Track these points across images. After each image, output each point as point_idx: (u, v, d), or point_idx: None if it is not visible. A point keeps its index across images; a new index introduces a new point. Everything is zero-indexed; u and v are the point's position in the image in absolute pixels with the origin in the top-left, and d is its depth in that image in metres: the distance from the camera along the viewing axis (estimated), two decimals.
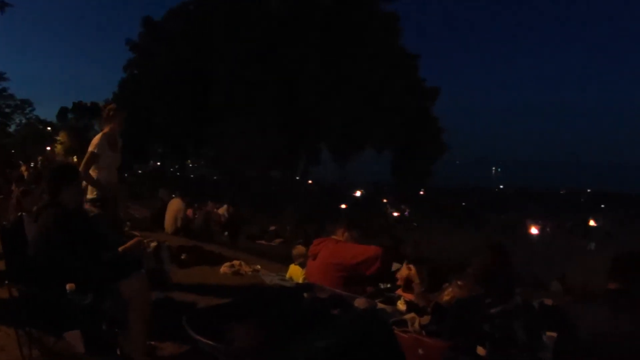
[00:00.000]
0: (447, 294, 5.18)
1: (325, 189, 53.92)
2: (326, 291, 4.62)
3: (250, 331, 3.10)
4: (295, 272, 7.93)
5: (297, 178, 43.95)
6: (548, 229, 46.12)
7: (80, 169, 6.24)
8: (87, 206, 6.53)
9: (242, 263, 9.01)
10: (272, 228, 20.37)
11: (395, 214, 44.12)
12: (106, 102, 6.94)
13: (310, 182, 51.10)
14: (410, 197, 50.62)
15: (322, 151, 42.41)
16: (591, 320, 3.51)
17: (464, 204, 55.84)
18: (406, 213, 43.55)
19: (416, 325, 3.99)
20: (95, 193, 6.49)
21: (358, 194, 56.32)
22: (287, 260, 10.23)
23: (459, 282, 5.39)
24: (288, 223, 24.26)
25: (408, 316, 4.14)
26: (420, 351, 3.59)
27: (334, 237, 6.23)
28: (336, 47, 35.38)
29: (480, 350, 3.44)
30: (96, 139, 6.50)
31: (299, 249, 8.48)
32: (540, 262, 23.27)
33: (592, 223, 50.06)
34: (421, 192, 56.27)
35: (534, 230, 44.30)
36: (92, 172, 6.42)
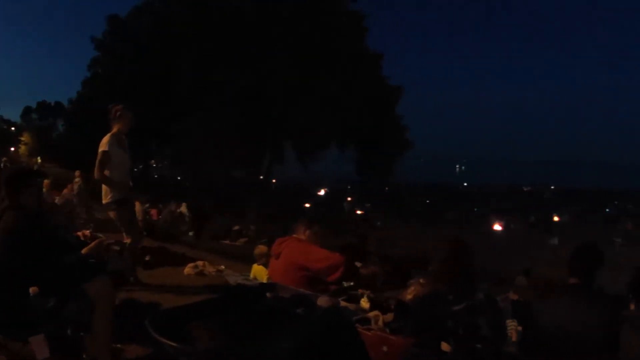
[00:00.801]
0: (410, 292, 5.21)
1: (290, 188, 53.92)
2: (289, 290, 4.61)
3: (213, 332, 3.07)
4: (259, 272, 7.91)
5: (261, 177, 43.76)
6: (512, 225, 46.72)
7: (95, 170, 6.46)
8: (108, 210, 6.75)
9: (206, 263, 8.97)
10: (236, 228, 20.23)
11: (359, 211, 44.33)
12: (114, 104, 6.92)
13: (274, 181, 50.95)
14: (375, 195, 50.86)
15: (286, 150, 42.25)
16: (553, 314, 3.59)
17: (428, 201, 56.28)
18: (369, 210, 43.81)
19: (380, 322, 3.95)
20: (111, 195, 6.54)
21: (322, 192, 56.43)
22: (251, 259, 10.19)
23: (420, 280, 5.42)
24: (252, 222, 24.20)
25: (371, 314, 4.11)
26: (384, 348, 3.53)
27: (295, 235, 6.22)
28: (301, 46, 35.30)
29: (445, 347, 3.44)
30: (106, 139, 6.53)
31: (261, 248, 8.46)
32: (505, 257, 23.58)
33: (555, 219, 50.85)
34: (385, 190, 56.55)
35: (497, 227, 44.83)
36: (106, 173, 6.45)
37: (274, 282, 5.55)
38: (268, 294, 4.34)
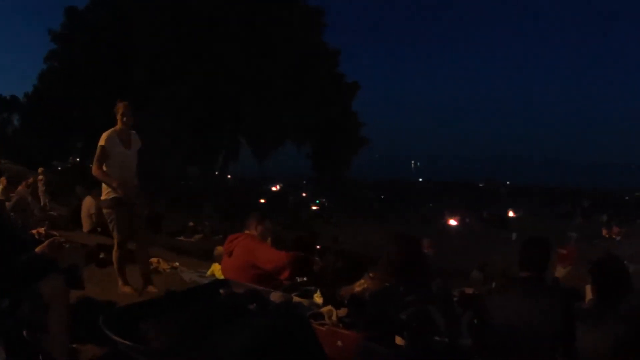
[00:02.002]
0: (359, 285, 5.26)
1: (245, 184, 53.72)
2: (242, 286, 4.60)
3: (167, 330, 3.07)
4: (218, 271, 7.94)
5: (216, 173, 43.55)
6: (467, 220, 47.21)
7: (92, 166, 6.35)
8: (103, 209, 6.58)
9: (161, 260, 8.93)
10: (191, 224, 20.16)
11: (314, 207, 44.39)
12: (119, 99, 6.74)
13: (229, 177, 50.72)
14: (330, 191, 50.95)
15: (241, 146, 42.09)
16: (506, 308, 3.63)
17: (383, 197, 56.54)
18: (325, 206, 43.88)
19: (333, 317, 3.93)
20: (109, 193, 6.33)
21: (277, 188, 56.39)
22: (206, 256, 10.22)
23: (370, 275, 5.48)
24: (207, 219, 24.10)
25: (325, 309, 4.08)
26: (338, 343, 3.56)
27: (247, 231, 6.25)
28: (258, 41, 35.17)
29: (399, 340, 3.46)
30: (106, 133, 6.39)
31: (220, 249, 8.48)
32: (460, 252, 23.84)
33: (510, 214, 51.60)
34: (340, 186, 56.70)
35: (452, 222, 45.27)
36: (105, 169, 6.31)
37: (228, 279, 5.57)
38: (221, 291, 4.34)
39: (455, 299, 5.66)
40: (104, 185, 6.36)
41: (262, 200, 42.48)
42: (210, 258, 9.36)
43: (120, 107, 6.55)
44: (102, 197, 6.45)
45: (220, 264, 8.04)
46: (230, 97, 35.24)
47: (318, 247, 11.74)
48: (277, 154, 44.03)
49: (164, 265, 8.78)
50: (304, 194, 53.28)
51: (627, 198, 77.27)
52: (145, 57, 35.23)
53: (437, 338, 3.59)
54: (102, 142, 6.29)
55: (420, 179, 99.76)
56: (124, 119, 6.50)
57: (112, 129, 6.48)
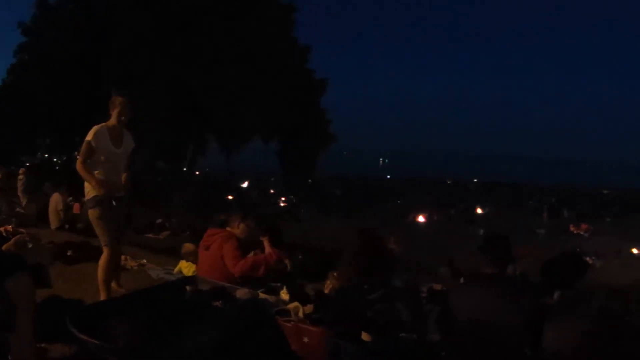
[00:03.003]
0: (327, 285, 5.32)
1: (213, 180, 53.52)
2: (209, 283, 4.64)
3: (133, 328, 3.07)
4: (185, 268, 7.96)
5: (185, 169, 43.37)
6: (435, 217, 47.53)
7: (77, 161, 5.99)
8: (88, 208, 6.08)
9: (128, 257, 8.93)
10: (159, 221, 20.09)
11: (282, 204, 44.35)
12: (116, 93, 6.34)
13: (197, 173, 50.57)
14: (298, 188, 50.93)
15: (209, 142, 42.00)
16: (471, 303, 3.67)
17: (351, 193, 56.64)
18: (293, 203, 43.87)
19: (300, 314, 4.01)
20: (90, 192, 5.91)
21: (245, 185, 56.24)
22: (174, 253, 10.21)
23: (334, 273, 5.54)
24: (175, 215, 23.99)
25: (291, 305, 4.15)
26: (305, 339, 3.57)
27: (229, 228, 6.30)
28: (228, 36, 35.07)
29: (365, 336, 3.51)
30: (94, 128, 5.94)
31: (187, 246, 8.52)
32: (429, 249, 23.99)
33: (479, 211, 52.10)
34: (309, 182, 56.64)
35: (421, 218, 45.56)
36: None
37: (195, 276, 5.61)
38: (188, 288, 4.36)
39: (423, 295, 5.74)
40: (86, 184, 5.95)
41: (230, 197, 42.27)
42: (178, 255, 9.37)
43: (117, 102, 6.14)
44: (85, 198, 6.11)
45: (187, 261, 8.07)
46: (199, 92, 35.12)
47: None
48: (246, 150, 44.03)
49: (131, 263, 8.78)
50: (272, 191, 53.22)
51: (595, 195, 78.56)
52: (115, 52, 34.95)
53: (403, 334, 3.63)
54: (89, 137, 5.83)
55: (389, 176, 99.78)
56: (121, 117, 6.13)
57: (103, 123, 6.04)
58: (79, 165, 5.87)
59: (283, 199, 47.10)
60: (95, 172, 5.86)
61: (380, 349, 3.46)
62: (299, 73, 40.37)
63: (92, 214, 5.96)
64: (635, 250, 35.56)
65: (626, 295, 13.09)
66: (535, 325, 3.55)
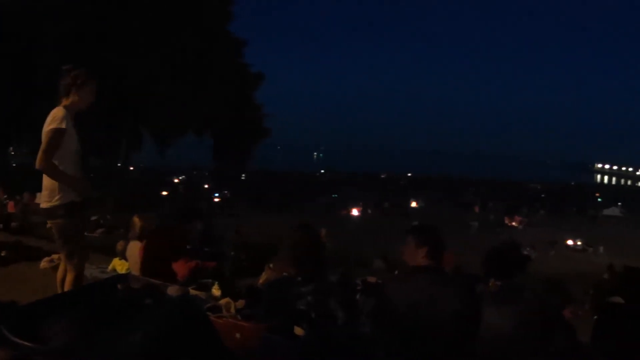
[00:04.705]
0: (261, 278, 5.50)
1: (147, 176, 52.93)
2: (140, 281, 4.57)
3: (64, 328, 3.09)
4: (119, 266, 8.02)
5: (119, 165, 42.77)
6: (369, 211, 47.97)
7: (39, 157, 4.43)
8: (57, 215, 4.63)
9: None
10: (94, 218, 19.86)
11: (216, 199, 44.22)
12: (71, 66, 4.81)
13: (131, 168, 49.89)
14: (231, 182, 50.82)
15: (143, 136, 41.49)
16: (408, 295, 3.69)
17: (285, 188, 56.71)
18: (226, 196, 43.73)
19: (232, 309, 3.94)
20: (61, 195, 4.55)
21: (179, 179, 55.82)
22: (109, 250, 10.22)
23: (270, 265, 5.72)
24: (108, 212, 23.76)
25: (223, 301, 4.10)
26: (237, 335, 3.52)
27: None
28: (162, 30, 34.72)
29: (298, 330, 3.50)
30: (59, 112, 4.52)
31: (122, 244, 8.55)
32: (363, 242, 24.33)
33: (413, 204, 52.78)
34: (242, 177, 56.51)
35: (355, 212, 45.95)
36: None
37: (127, 274, 5.70)
38: (119, 286, 4.33)
39: (358, 287, 5.96)
40: (49, 186, 4.57)
41: (164, 192, 41.96)
42: (113, 253, 9.40)
43: (77, 77, 4.76)
44: (48, 203, 4.58)
45: (121, 258, 8.15)
46: (131, 86, 34.70)
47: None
48: (180, 145, 43.66)
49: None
50: (206, 186, 52.94)
51: (527, 189, 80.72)
52: (49, 45, 34.23)
53: (336, 327, 3.75)
54: (60, 124, 4.45)
55: (322, 170, 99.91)
56: (81, 94, 4.75)
57: (61, 107, 4.62)
58: (44, 163, 4.42)
59: (217, 194, 46.94)
60: (64, 168, 4.54)
61: (313, 343, 3.35)
62: (233, 66, 40.15)
63: (65, 225, 4.66)
64: (570, 242, 36.87)
65: (563, 286, 13.64)
66: (472, 315, 3.60)
